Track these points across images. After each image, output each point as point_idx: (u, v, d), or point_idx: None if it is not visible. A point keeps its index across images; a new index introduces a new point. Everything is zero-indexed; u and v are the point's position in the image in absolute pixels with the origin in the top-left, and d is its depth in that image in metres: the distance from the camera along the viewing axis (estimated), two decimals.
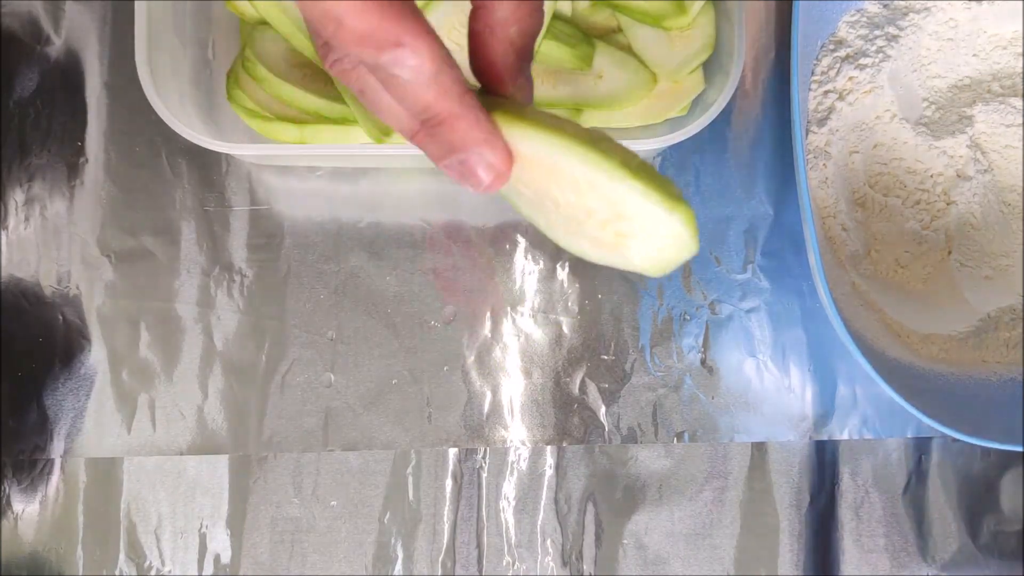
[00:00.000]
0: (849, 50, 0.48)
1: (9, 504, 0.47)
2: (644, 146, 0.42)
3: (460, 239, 0.49)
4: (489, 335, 0.48)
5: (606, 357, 0.49)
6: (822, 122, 0.48)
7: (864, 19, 0.49)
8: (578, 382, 0.48)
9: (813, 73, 0.48)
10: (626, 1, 0.44)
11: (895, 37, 0.48)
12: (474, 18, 0.26)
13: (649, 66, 0.45)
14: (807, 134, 0.48)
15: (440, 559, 0.47)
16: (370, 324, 0.48)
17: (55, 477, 0.47)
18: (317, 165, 0.49)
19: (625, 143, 0.42)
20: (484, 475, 0.48)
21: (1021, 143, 0.47)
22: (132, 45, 0.40)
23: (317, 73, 0.44)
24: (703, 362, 0.49)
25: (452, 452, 0.48)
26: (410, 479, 0.48)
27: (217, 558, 0.47)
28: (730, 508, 0.48)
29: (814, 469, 0.49)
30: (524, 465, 0.48)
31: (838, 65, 0.48)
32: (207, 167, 0.49)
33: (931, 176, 0.48)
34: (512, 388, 0.48)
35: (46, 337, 0.48)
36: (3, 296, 0.48)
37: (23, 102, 0.49)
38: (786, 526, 0.48)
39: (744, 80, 0.50)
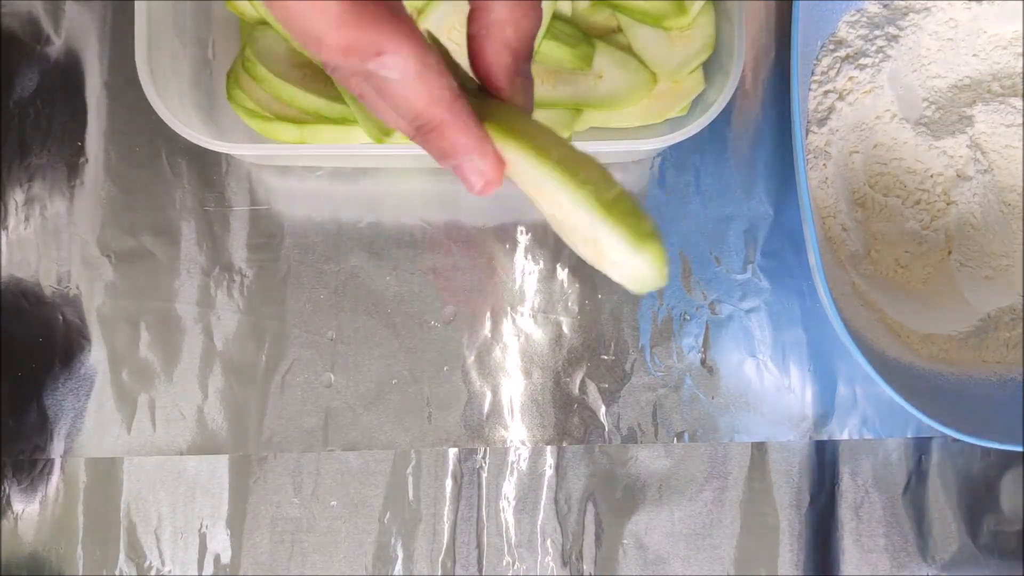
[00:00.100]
0: (849, 50, 0.48)
1: (9, 504, 0.47)
2: (644, 146, 0.42)
3: (460, 239, 0.49)
4: (489, 335, 0.48)
5: (606, 357, 0.49)
6: (822, 122, 0.48)
7: (864, 19, 0.49)
8: (578, 382, 0.48)
9: (813, 73, 0.48)
10: (626, 1, 0.44)
11: (895, 37, 0.48)
12: (471, 20, 0.26)
13: (649, 66, 0.45)
14: (807, 134, 0.48)
15: (440, 559, 0.47)
16: (370, 324, 0.48)
17: (55, 477, 0.47)
18: (317, 165, 0.49)
19: (625, 143, 0.42)
20: (484, 475, 0.48)
21: (1021, 143, 0.47)
22: (132, 45, 0.40)
23: (317, 73, 0.44)
24: (703, 362, 0.49)
25: (452, 452, 0.48)
26: (410, 479, 0.48)
27: (217, 558, 0.47)
28: (730, 508, 0.48)
29: (814, 469, 0.49)
30: (524, 465, 0.48)
31: (838, 65, 0.48)
32: (207, 167, 0.49)
33: (931, 176, 0.48)
34: (512, 388, 0.48)
35: (46, 337, 0.48)
36: (3, 296, 0.48)
37: (23, 102, 0.49)
38: (786, 526, 0.48)
39: (744, 80, 0.50)
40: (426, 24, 0.42)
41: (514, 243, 0.49)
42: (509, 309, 0.48)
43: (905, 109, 0.48)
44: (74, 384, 0.48)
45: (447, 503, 0.48)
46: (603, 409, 0.48)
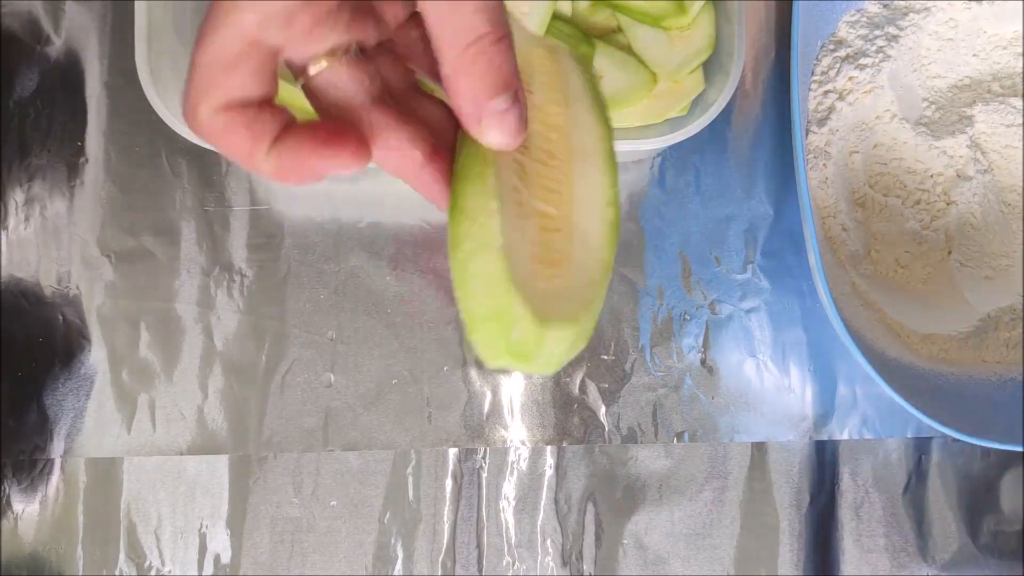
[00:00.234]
0: (849, 50, 0.48)
1: (9, 504, 0.47)
2: (644, 146, 0.42)
3: None
4: None
5: (606, 357, 0.49)
6: (822, 122, 0.48)
7: (864, 19, 0.49)
8: (578, 382, 0.48)
9: (813, 73, 0.48)
10: (626, 1, 0.44)
11: (895, 37, 0.48)
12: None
13: (649, 66, 0.45)
14: (807, 134, 0.48)
15: (440, 559, 0.47)
16: (370, 324, 0.48)
17: (55, 477, 0.47)
18: None
19: (625, 143, 0.42)
20: (484, 475, 0.48)
21: (1021, 143, 0.47)
22: (132, 45, 0.40)
23: None
24: (703, 362, 0.49)
25: (452, 452, 0.48)
26: (410, 479, 0.48)
27: (217, 558, 0.47)
28: (730, 508, 0.48)
29: (814, 469, 0.49)
30: (524, 465, 0.48)
31: (838, 65, 0.48)
32: (207, 167, 0.49)
33: (931, 176, 0.48)
34: (512, 388, 0.48)
35: (46, 337, 0.48)
36: (3, 296, 0.48)
37: (23, 102, 0.49)
38: (786, 526, 0.48)
39: (744, 80, 0.50)
40: None
41: None
42: None
43: (905, 109, 0.48)
44: (74, 384, 0.48)
45: (447, 503, 0.48)
46: (603, 409, 0.48)
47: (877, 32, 0.48)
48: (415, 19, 0.26)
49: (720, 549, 0.48)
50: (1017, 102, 0.47)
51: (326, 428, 0.48)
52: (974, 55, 0.48)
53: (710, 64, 0.45)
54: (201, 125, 0.22)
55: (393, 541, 0.47)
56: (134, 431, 0.47)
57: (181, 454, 0.47)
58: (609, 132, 0.29)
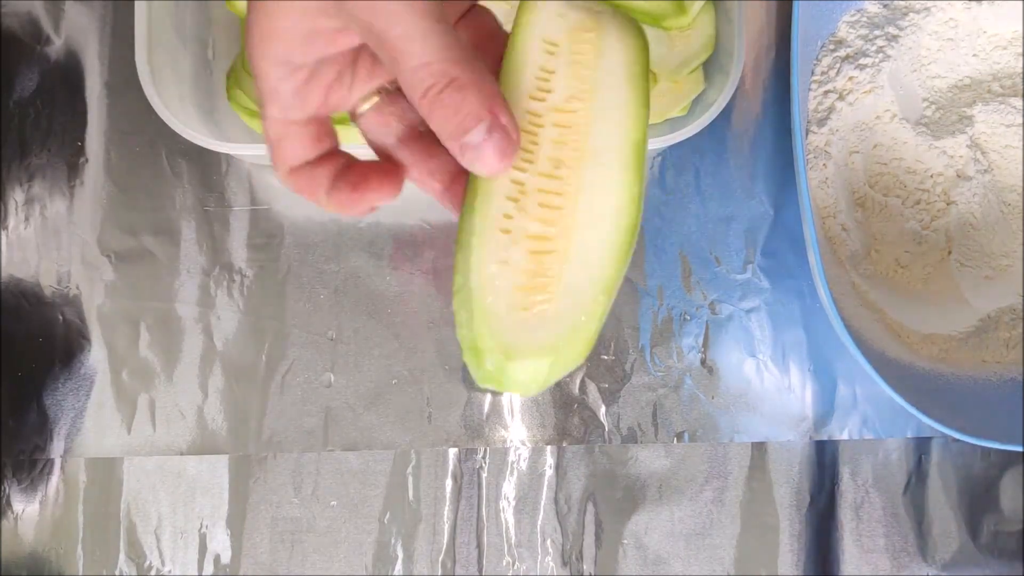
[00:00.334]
0: (849, 50, 0.48)
1: (9, 504, 0.47)
2: None
3: None
4: None
5: (606, 357, 0.49)
6: (822, 122, 0.48)
7: (864, 19, 0.49)
8: (578, 382, 0.48)
9: (813, 73, 0.48)
10: (626, 1, 0.44)
11: (895, 37, 0.48)
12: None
13: (649, 66, 0.45)
14: (807, 134, 0.48)
15: (440, 559, 0.47)
16: (370, 324, 0.48)
17: (55, 477, 0.47)
18: None
19: None
20: (484, 475, 0.48)
21: (1021, 143, 0.47)
22: (132, 45, 0.40)
23: None
24: (703, 362, 0.49)
25: (452, 452, 0.48)
26: (410, 479, 0.48)
27: (217, 558, 0.47)
28: (730, 508, 0.48)
29: (814, 469, 0.49)
30: (524, 465, 0.48)
31: (838, 65, 0.48)
32: (207, 167, 0.49)
33: (931, 176, 0.48)
34: None
35: (46, 337, 0.48)
36: (3, 296, 0.48)
37: (23, 102, 0.49)
38: (786, 526, 0.48)
39: (744, 80, 0.50)
40: None
41: None
42: None
43: (905, 109, 0.48)
44: (74, 384, 0.48)
45: (447, 503, 0.48)
46: (603, 409, 0.48)
47: (877, 32, 0.48)
48: None
49: (720, 549, 0.48)
50: (1017, 102, 0.47)
51: (326, 428, 0.48)
52: (974, 55, 0.48)
53: (710, 64, 0.45)
54: (284, 184, 0.28)
55: (393, 541, 0.47)
56: (134, 431, 0.47)
57: (181, 454, 0.47)
58: (640, 120, 0.27)
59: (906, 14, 0.48)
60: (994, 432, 0.42)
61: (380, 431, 0.48)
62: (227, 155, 0.48)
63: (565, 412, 0.48)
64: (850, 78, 0.48)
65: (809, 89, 0.48)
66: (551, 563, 0.48)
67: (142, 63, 0.40)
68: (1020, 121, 0.47)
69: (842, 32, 0.49)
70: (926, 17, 0.48)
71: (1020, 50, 0.48)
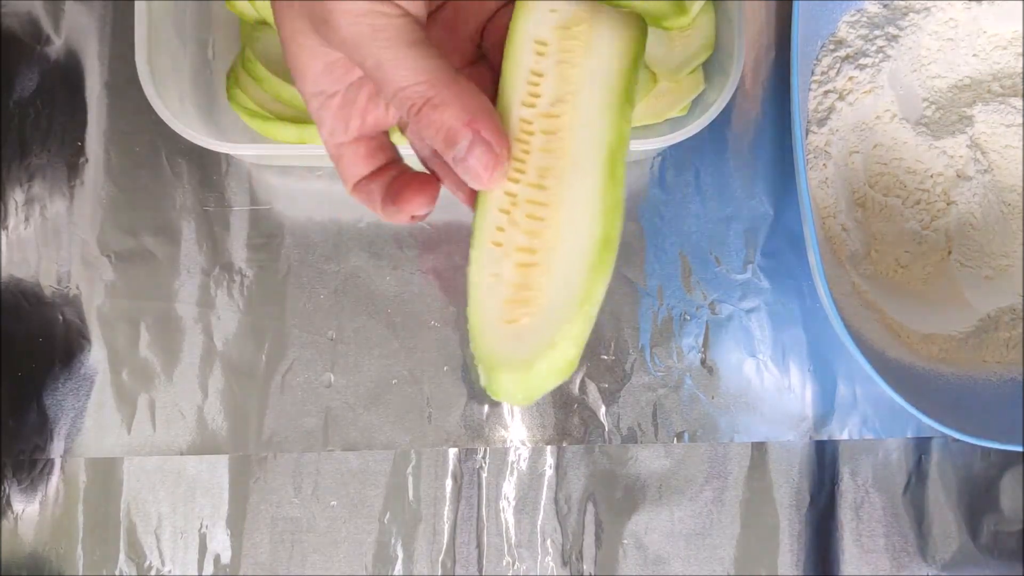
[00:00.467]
0: (849, 50, 0.48)
1: (9, 504, 0.47)
2: (644, 146, 0.42)
3: (460, 239, 0.49)
4: None
5: (606, 357, 0.49)
6: (822, 122, 0.48)
7: (864, 19, 0.49)
8: (578, 382, 0.48)
9: (813, 73, 0.48)
10: (626, 1, 0.44)
11: (895, 37, 0.48)
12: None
13: (649, 66, 0.45)
14: (807, 134, 0.48)
15: (440, 559, 0.47)
16: (370, 324, 0.48)
17: (55, 477, 0.47)
18: (317, 165, 0.49)
19: None
20: (484, 475, 0.48)
21: (1021, 143, 0.47)
22: (132, 45, 0.40)
23: None
24: (703, 362, 0.49)
25: (452, 452, 0.48)
26: (410, 479, 0.48)
27: (217, 558, 0.47)
28: (730, 508, 0.48)
29: (814, 469, 0.49)
30: (524, 465, 0.48)
31: (838, 65, 0.48)
32: (207, 167, 0.49)
33: (931, 176, 0.48)
34: None
35: (46, 337, 0.48)
36: (3, 296, 0.48)
37: (23, 102, 0.49)
38: (786, 526, 0.48)
39: (744, 80, 0.50)
40: None
41: None
42: None
43: (905, 109, 0.48)
44: (74, 384, 0.48)
45: (447, 503, 0.48)
46: (603, 409, 0.48)
47: (877, 32, 0.48)
48: None
49: (720, 549, 0.48)
50: (1017, 102, 0.47)
51: (326, 428, 0.48)
52: (974, 55, 0.48)
53: (710, 64, 0.45)
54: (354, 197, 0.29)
55: (393, 541, 0.47)
56: (134, 431, 0.47)
57: (181, 454, 0.47)
58: (616, 123, 0.26)
59: (906, 14, 0.48)
60: (994, 432, 0.42)
61: (380, 431, 0.48)
62: (227, 155, 0.48)
63: (565, 412, 0.48)
64: (850, 78, 0.48)
65: (809, 89, 0.48)
66: (551, 563, 0.48)
67: (142, 63, 0.40)
68: (1020, 121, 0.47)
69: (842, 32, 0.49)
70: (926, 17, 0.48)
71: (1020, 50, 0.48)
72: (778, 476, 0.48)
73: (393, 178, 0.28)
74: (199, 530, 0.47)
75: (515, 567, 0.48)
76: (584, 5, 0.27)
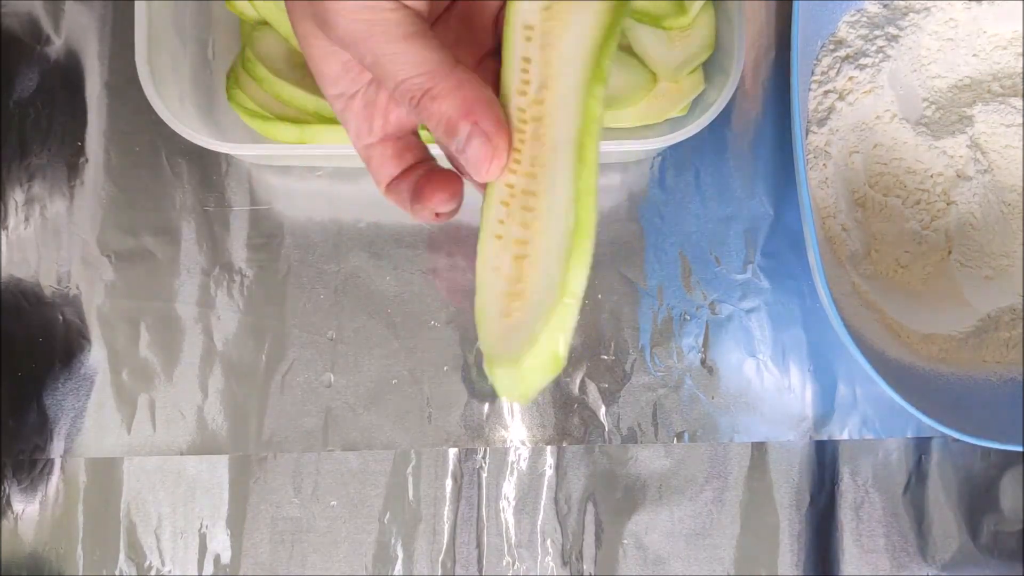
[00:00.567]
0: (849, 50, 0.48)
1: (9, 504, 0.47)
2: (644, 146, 0.42)
3: (460, 239, 0.49)
4: None
5: (606, 357, 0.49)
6: (822, 122, 0.48)
7: (864, 19, 0.49)
8: (578, 382, 0.48)
9: (813, 73, 0.48)
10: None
11: (895, 37, 0.48)
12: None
13: (649, 66, 0.45)
14: (807, 134, 0.48)
15: (440, 559, 0.47)
16: (370, 324, 0.48)
17: (55, 477, 0.47)
18: (317, 165, 0.49)
19: (625, 143, 0.42)
20: (484, 475, 0.48)
21: (1021, 143, 0.47)
22: (132, 45, 0.40)
23: None
24: (703, 362, 0.49)
25: (452, 452, 0.48)
26: (410, 479, 0.48)
27: (217, 558, 0.47)
28: (730, 508, 0.48)
29: (814, 469, 0.49)
30: (524, 465, 0.48)
31: (838, 65, 0.48)
32: (207, 167, 0.49)
33: (931, 176, 0.48)
34: None
35: (46, 337, 0.48)
36: (3, 296, 0.48)
37: (23, 102, 0.49)
38: (786, 526, 0.48)
39: (744, 80, 0.50)
40: None
41: None
42: None
43: (905, 109, 0.48)
44: (74, 384, 0.48)
45: (447, 503, 0.48)
46: (603, 409, 0.48)
47: (877, 32, 0.48)
48: None
49: (720, 549, 0.48)
50: (1017, 102, 0.47)
51: (326, 428, 0.48)
52: (974, 55, 0.48)
53: (710, 64, 0.45)
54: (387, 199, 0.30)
55: (393, 541, 0.47)
56: (134, 431, 0.47)
57: (181, 454, 0.47)
58: (586, 103, 0.24)
59: (906, 14, 0.48)
60: (994, 432, 0.42)
61: (380, 431, 0.48)
62: (227, 155, 0.48)
63: (565, 412, 0.48)
64: (850, 78, 0.48)
65: (809, 89, 0.48)
66: (551, 563, 0.48)
67: (142, 63, 0.40)
68: (1020, 121, 0.47)
69: (842, 32, 0.49)
70: (926, 17, 0.48)
71: (1020, 50, 0.48)
72: (778, 476, 0.48)
73: (419, 176, 0.28)
74: (199, 530, 0.47)
75: (515, 567, 0.48)
76: None
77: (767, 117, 0.50)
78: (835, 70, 0.48)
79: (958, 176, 0.48)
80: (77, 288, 0.48)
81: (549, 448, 0.48)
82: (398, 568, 0.47)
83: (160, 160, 0.49)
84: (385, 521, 0.48)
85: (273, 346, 0.48)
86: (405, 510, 0.48)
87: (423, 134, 0.30)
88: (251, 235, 0.48)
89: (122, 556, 0.47)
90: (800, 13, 0.43)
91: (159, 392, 0.48)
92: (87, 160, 0.49)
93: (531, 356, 0.24)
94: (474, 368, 0.48)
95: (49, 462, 0.47)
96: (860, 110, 0.48)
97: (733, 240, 0.49)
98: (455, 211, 0.28)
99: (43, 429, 0.47)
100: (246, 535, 0.47)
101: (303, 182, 0.49)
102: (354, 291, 0.48)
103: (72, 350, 0.48)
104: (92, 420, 0.47)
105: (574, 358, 0.48)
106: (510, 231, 0.25)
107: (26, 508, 0.47)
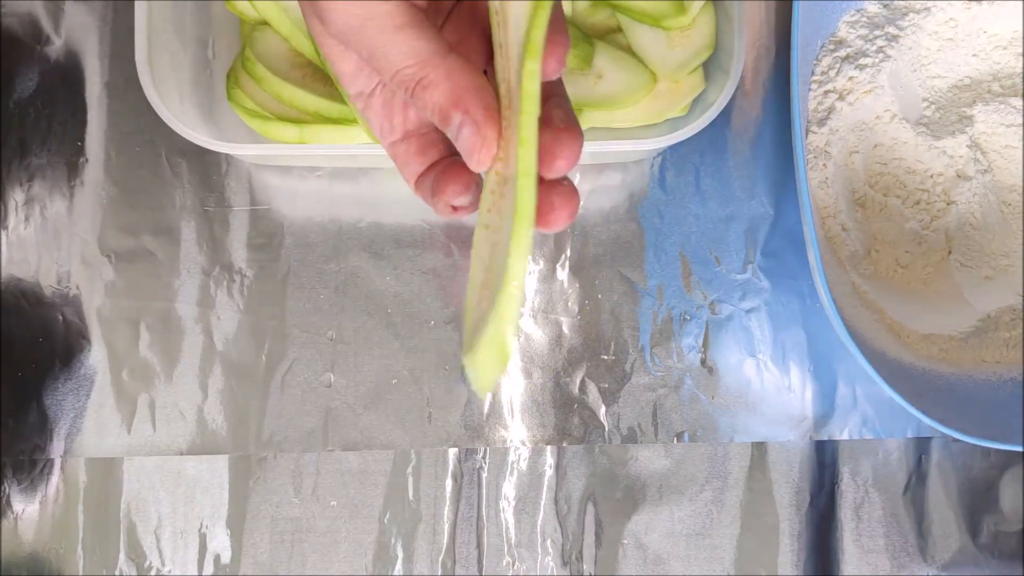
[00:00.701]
0: (849, 50, 0.48)
1: (9, 504, 0.47)
2: (644, 146, 0.42)
3: (460, 239, 0.49)
4: None
5: (606, 357, 0.49)
6: (822, 122, 0.48)
7: (864, 19, 0.49)
8: (578, 382, 0.48)
9: (813, 73, 0.48)
10: (626, 1, 0.44)
11: (895, 37, 0.48)
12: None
13: (649, 66, 0.45)
14: (807, 134, 0.48)
15: (440, 559, 0.47)
16: (370, 324, 0.48)
17: (55, 477, 0.47)
18: (317, 165, 0.49)
19: (625, 143, 0.42)
20: (484, 475, 0.48)
21: (1021, 143, 0.47)
22: (132, 45, 0.40)
23: (317, 73, 0.44)
24: (703, 362, 0.49)
25: (452, 452, 0.48)
26: (410, 479, 0.48)
27: (217, 558, 0.47)
28: (730, 508, 0.48)
29: (814, 469, 0.49)
30: (524, 465, 0.48)
31: (838, 65, 0.48)
32: (207, 167, 0.49)
33: (931, 176, 0.48)
34: (512, 388, 0.48)
35: (46, 337, 0.48)
36: (3, 296, 0.48)
37: (23, 102, 0.49)
38: (786, 526, 0.48)
39: (744, 80, 0.50)
40: None
41: None
42: None
43: (905, 109, 0.48)
44: (74, 384, 0.48)
45: (447, 503, 0.48)
46: (603, 409, 0.48)
47: (877, 32, 0.48)
48: None
49: (720, 549, 0.48)
50: (1017, 102, 0.47)
51: (326, 428, 0.48)
52: (974, 55, 0.48)
53: (710, 64, 0.45)
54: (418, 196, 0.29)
55: (393, 541, 0.47)
56: (134, 431, 0.47)
57: (181, 454, 0.47)
58: (525, 78, 0.23)
59: (906, 14, 0.48)
60: (994, 432, 0.42)
61: (380, 431, 0.48)
62: (227, 155, 0.48)
63: (565, 412, 0.48)
64: (850, 78, 0.48)
65: (809, 89, 0.48)
66: (551, 563, 0.48)
67: (142, 63, 0.40)
68: (1020, 121, 0.47)
69: (842, 32, 0.49)
70: (926, 17, 0.48)
71: (1020, 50, 0.48)
72: (778, 476, 0.48)
73: (438, 170, 0.28)
74: (199, 530, 0.47)
75: (515, 567, 0.48)
76: None
77: (767, 117, 0.50)
78: (835, 70, 0.48)
79: (958, 176, 0.48)
80: (77, 288, 0.48)
81: (549, 448, 0.48)
82: (398, 568, 0.47)
83: (160, 160, 0.49)
84: (385, 521, 0.48)
85: (273, 346, 0.48)
86: (405, 510, 0.48)
87: None
88: (251, 235, 0.48)
89: (122, 556, 0.47)
90: (800, 13, 0.43)
91: (159, 392, 0.48)
92: (87, 160, 0.49)
93: (482, 345, 0.23)
94: None
95: (49, 462, 0.47)
96: (860, 110, 0.48)
97: (733, 240, 0.49)
98: (473, 204, 0.27)
99: (43, 429, 0.47)
100: (246, 535, 0.47)
101: (303, 182, 0.49)
102: (354, 291, 0.48)
103: (72, 350, 0.48)
104: (92, 420, 0.47)
105: (574, 358, 0.49)
106: (492, 220, 0.25)
107: (26, 508, 0.47)
